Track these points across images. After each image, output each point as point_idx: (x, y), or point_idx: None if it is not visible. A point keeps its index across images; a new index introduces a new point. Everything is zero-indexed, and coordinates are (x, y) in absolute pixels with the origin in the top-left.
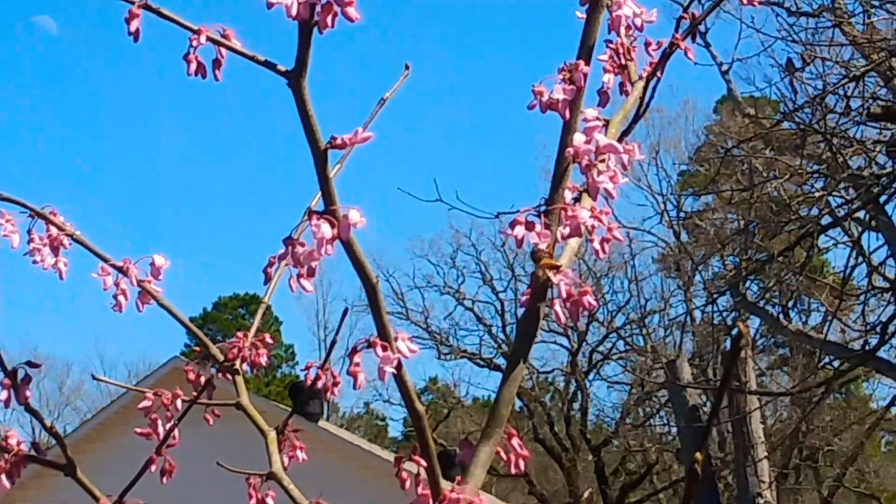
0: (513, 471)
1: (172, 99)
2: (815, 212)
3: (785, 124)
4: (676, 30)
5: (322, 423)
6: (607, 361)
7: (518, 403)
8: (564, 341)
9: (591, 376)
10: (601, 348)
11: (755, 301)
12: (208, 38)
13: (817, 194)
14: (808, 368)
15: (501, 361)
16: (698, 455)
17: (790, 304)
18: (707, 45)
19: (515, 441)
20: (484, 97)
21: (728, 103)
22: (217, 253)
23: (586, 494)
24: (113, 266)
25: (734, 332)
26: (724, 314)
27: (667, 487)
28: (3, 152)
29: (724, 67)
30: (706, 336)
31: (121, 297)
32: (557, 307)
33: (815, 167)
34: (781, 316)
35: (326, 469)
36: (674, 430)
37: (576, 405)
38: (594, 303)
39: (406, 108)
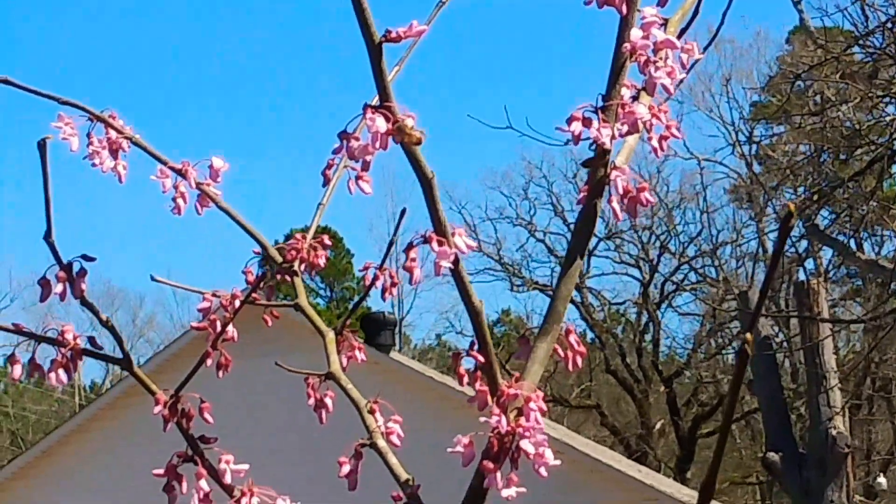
0: (570, 368)
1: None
2: (886, 138)
3: (855, 50)
4: None
5: (394, 354)
6: (679, 293)
7: (590, 335)
8: (636, 272)
9: (662, 308)
10: (673, 279)
11: (826, 230)
12: None
13: (889, 118)
14: (881, 298)
15: (573, 293)
16: (748, 336)
17: (862, 232)
18: None
19: (573, 337)
20: (559, 15)
21: (800, 33)
22: (288, 186)
23: (658, 425)
24: (171, 168)
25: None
26: (796, 244)
27: (739, 419)
28: (75, 64)
29: None
30: (778, 267)
31: (179, 200)
32: (615, 203)
33: (886, 93)
34: (853, 245)
35: (398, 400)
36: None
37: (647, 337)
38: (652, 199)
39: (473, 30)
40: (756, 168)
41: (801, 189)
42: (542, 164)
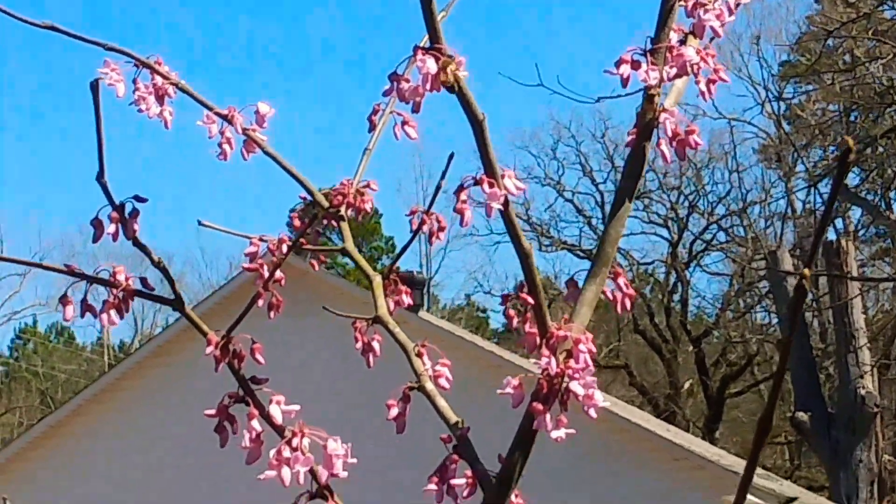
0: (619, 310)
1: None
2: None
3: (886, 8)
4: None
5: (423, 313)
6: (708, 252)
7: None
8: (665, 232)
9: (691, 267)
10: (702, 239)
11: (856, 190)
12: None
13: None
14: None
15: None
16: (806, 271)
17: (891, 192)
18: None
19: (622, 280)
20: None
21: None
22: (319, 144)
23: (687, 385)
24: (217, 114)
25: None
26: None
27: (767, 378)
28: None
29: None
30: (807, 226)
31: (225, 146)
32: (663, 146)
33: None
34: (883, 205)
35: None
36: (775, 320)
37: (676, 296)
38: (700, 141)
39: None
40: (785, 127)
41: (830, 148)
42: (570, 124)
